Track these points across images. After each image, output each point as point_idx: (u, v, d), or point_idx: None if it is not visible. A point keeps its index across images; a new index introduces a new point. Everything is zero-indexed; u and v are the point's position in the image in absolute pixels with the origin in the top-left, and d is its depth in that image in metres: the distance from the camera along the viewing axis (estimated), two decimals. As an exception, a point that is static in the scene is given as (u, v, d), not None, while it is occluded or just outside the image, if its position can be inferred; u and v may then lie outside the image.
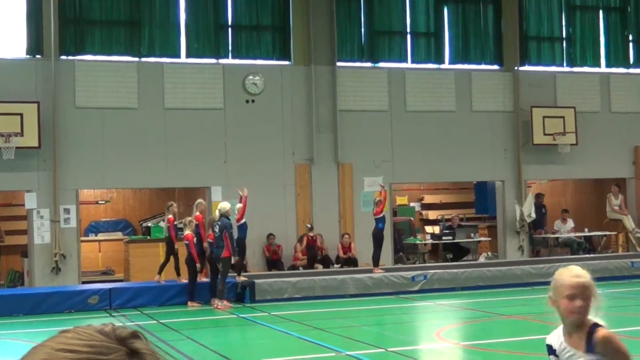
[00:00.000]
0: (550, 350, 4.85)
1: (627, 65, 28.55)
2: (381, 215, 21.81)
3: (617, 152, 27.75)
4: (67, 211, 22.51)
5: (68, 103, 22.55)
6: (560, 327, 4.85)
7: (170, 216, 20.88)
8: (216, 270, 20.15)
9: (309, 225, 23.87)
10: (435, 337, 14.67)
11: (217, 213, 19.95)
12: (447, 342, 14.52)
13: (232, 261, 20.07)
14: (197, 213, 20.48)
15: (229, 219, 19.92)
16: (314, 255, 23.76)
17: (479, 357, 12.93)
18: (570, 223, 27.24)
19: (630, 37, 28.65)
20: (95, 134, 22.70)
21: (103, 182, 23.77)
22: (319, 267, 23.50)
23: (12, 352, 14.65)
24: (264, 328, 16.79)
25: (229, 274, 20.15)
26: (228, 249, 19.53)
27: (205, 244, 20.32)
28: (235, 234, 20.83)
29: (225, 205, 20.05)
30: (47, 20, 22.34)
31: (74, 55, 22.85)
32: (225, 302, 19.65)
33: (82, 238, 24.25)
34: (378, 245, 21.97)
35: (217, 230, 19.70)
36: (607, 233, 27.51)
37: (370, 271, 22.04)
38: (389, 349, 13.38)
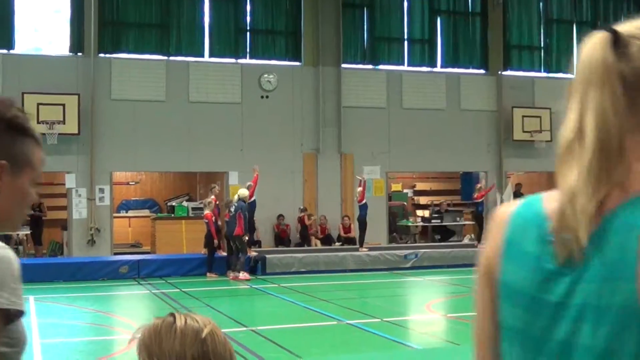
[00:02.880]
0: None
1: (597, 72, 28.38)
2: (363, 202, 21.90)
3: (587, 148, 27.62)
4: (101, 190, 22.48)
5: (104, 95, 22.49)
6: None
7: (213, 197, 20.73)
8: (231, 247, 20.13)
9: (302, 207, 23.84)
10: (426, 309, 14.65)
11: (236, 197, 19.89)
12: (436, 314, 14.47)
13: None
14: (213, 196, 20.51)
15: (245, 203, 19.87)
16: (304, 233, 23.81)
17: (465, 328, 12.84)
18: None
19: (600, 47, 28.50)
20: (127, 123, 22.64)
21: (134, 166, 23.75)
22: (317, 244, 23.49)
23: (53, 313, 14.65)
24: (274, 298, 16.72)
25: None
26: (241, 227, 19.48)
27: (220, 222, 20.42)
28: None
29: (244, 191, 20.00)
30: (87, 22, 22.28)
31: (110, 53, 22.78)
32: (245, 274, 19.59)
33: (115, 214, 24.18)
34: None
35: (232, 210, 19.65)
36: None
37: (367, 249, 22.04)
38: (384, 319, 13.33)
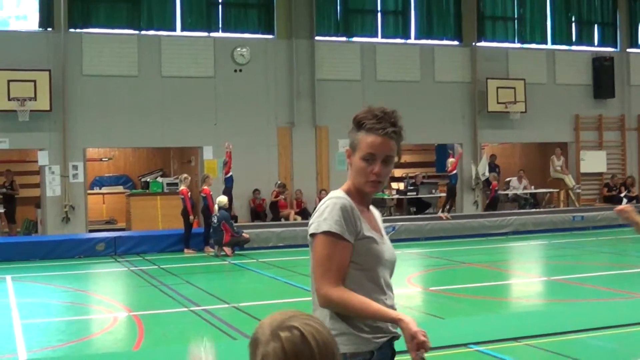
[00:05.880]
0: None
1: (570, 43, 28.54)
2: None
3: (560, 119, 27.84)
4: (75, 167, 22.29)
5: (76, 71, 22.23)
6: None
7: (206, 187, 20.46)
8: (208, 222, 20.06)
9: (278, 182, 23.82)
10: (407, 283, 14.65)
11: (216, 207, 19.72)
12: (418, 287, 14.51)
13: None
14: (184, 187, 20.37)
15: (227, 212, 19.82)
16: (273, 208, 23.91)
17: (447, 301, 12.92)
18: (525, 181, 27.34)
19: (573, 18, 28.61)
20: (100, 99, 22.42)
21: (107, 142, 23.54)
22: (298, 219, 23.43)
23: (32, 293, 14.53)
24: (253, 274, 16.72)
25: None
26: (228, 234, 19.44)
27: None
28: (223, 186, 21.05)
29: (222, 199, 19.81)
30: (57, -3, 22.00)
31: (81, 28, 22.48)
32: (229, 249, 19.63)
33: (88, 191, 23.99)
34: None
35: (215, 221, 19.53)
36: (550, 190, 27.63)
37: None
38: (366, 294, 13.28)
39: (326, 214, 3.41)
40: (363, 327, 3.40)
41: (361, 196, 3.57)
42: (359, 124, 3.52)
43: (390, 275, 3.65)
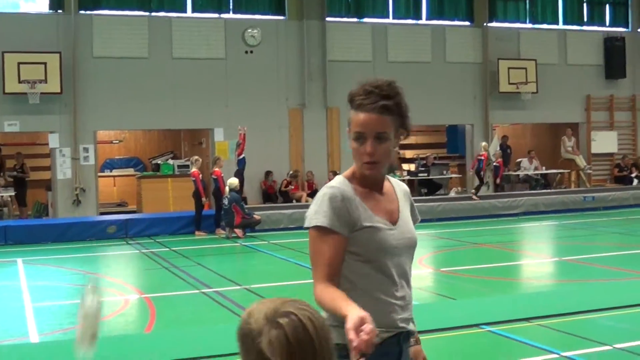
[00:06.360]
0: None
1: (582, 23, 28.37)
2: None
3: (571, 99, 27.70)
4: (85, 150, 22.29)
5: (86, 53, 22.20)
6: None
7: (217, 169, 20.37)
8: (219, 204, 20.03)
9: (291, 172, 23.90)
10: (418, 264, 14.58)
11: (227, 189, 19.66)
12: (429, 268, 14.45)
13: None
14: (195, 169, 20.25)
15: (238, 193, 19.74)
16: (283, 195, 24.03)
17: (458, 282, 12.87)
18: (535, 162, 27.23)
19: (585, -2, 28.49)
20: (110, 81, 22.39)
21: (118, 124, 23.52)
22: (310, 200, 23.38)
23: (43, 276, 14.54)
24: (265, 255, 16.68)
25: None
26: (239, 216, 19.41)
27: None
28: (235, 168, 20.98)
29: (233, 181, 19.69)
30: (67, -22, 21.93)
31: (91, 10, 22.44)
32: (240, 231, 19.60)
33: (99, 174, 23.98)
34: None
35: (226, 202, 19.48)
36: (562, 171, 27.52)
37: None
38: (378, 275, 13.22)
39: (317, 206, 3.21)
40: None
41: (365, 178, 3.32)
42: (351, 102, 3.28)
43: (410, 261, 3.41)
